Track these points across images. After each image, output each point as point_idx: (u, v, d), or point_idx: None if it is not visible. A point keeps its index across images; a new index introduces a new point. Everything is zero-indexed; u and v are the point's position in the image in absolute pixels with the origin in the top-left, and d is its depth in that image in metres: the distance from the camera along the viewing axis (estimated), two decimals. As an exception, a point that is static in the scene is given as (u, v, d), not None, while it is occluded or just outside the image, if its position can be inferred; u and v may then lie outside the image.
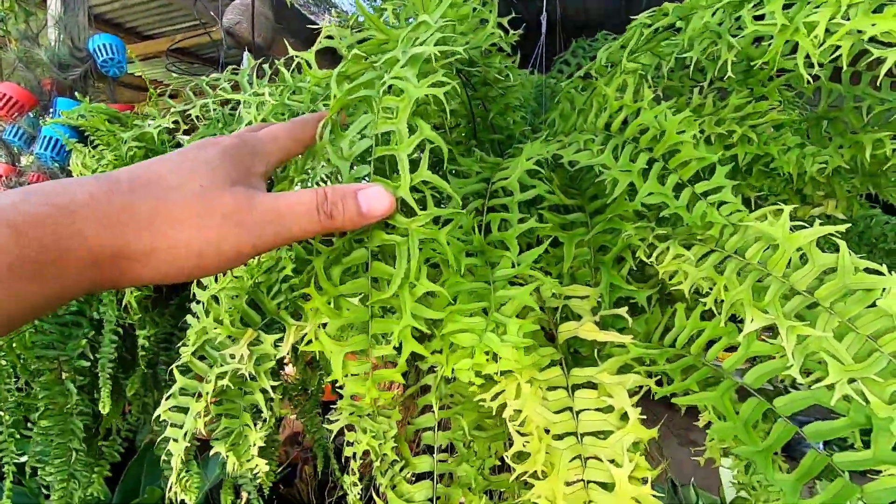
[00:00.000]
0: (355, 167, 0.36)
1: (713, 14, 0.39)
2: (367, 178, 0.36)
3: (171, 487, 0.45)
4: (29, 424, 0.77)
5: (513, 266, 0.36)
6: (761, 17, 0.38)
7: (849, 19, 0.30)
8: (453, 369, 0.33)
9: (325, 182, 0.48)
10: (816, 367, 0.30)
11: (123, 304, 0.60)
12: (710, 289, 0.38)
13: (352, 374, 0.34)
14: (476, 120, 0.63)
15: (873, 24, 0.28)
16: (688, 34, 0.45)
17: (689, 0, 0.43)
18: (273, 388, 0.62)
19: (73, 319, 0.72)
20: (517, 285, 0.37)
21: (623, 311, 0.42)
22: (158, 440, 0.61)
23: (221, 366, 0.46)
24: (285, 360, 0.85)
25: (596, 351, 0.42)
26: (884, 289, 0.30)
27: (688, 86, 0.59)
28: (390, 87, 0.36)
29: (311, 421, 0.82)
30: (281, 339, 0.47)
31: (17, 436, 0.76)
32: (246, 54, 1.99)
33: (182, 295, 0.80)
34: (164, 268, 0.29)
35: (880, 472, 0.27)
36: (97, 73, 1.24)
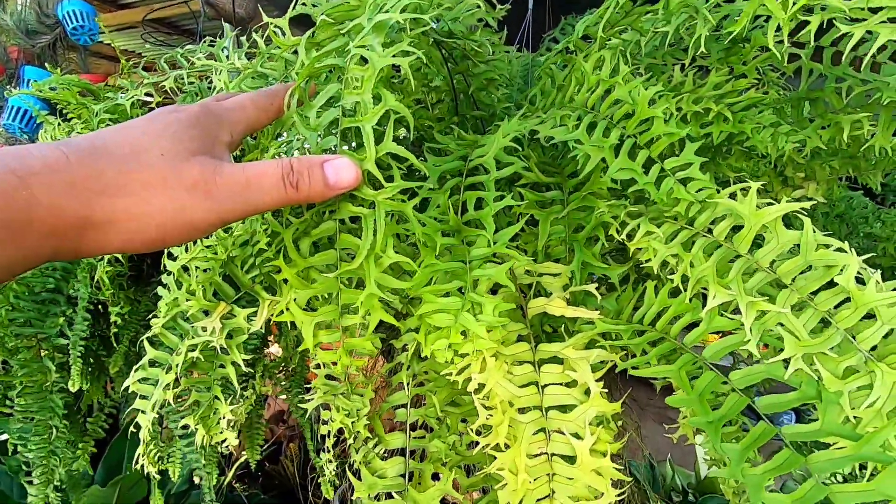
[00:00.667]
0: (322, 138, 0.36)
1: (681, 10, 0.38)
2: (334, 149, 0.36)
3: (136, 460, 0.45)
4: (8, 402, 0.78)
5: (489, 245, 0.36)
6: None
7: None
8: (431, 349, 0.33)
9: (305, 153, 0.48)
10: (777, 343, 0.31)
11: (96, 280, 0.60)
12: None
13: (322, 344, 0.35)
14: (458, 96, 0.63)
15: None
16: (665, 7, 0.44)
17: None
18: (253, 364, 0.63)
19: (49, 297, 0.72)
20: (494, 263, 0.37)
21: (592, 287, 0.42)
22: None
23: (193, 338, 0.47)
24: (270, 340, 0.86)
25: (565, 327, 0.43)
26: (843, 266, 0.30)
27: (670, 63, 0.59)
28: (359, 56, 0.35)
29: (295, 399, 0.83)
30: (255, 314, 0.48)
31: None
32: (226, 26, 1.96)
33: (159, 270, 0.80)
34: (128, 236, 0.29)
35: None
36: (67, 41, 1.21)
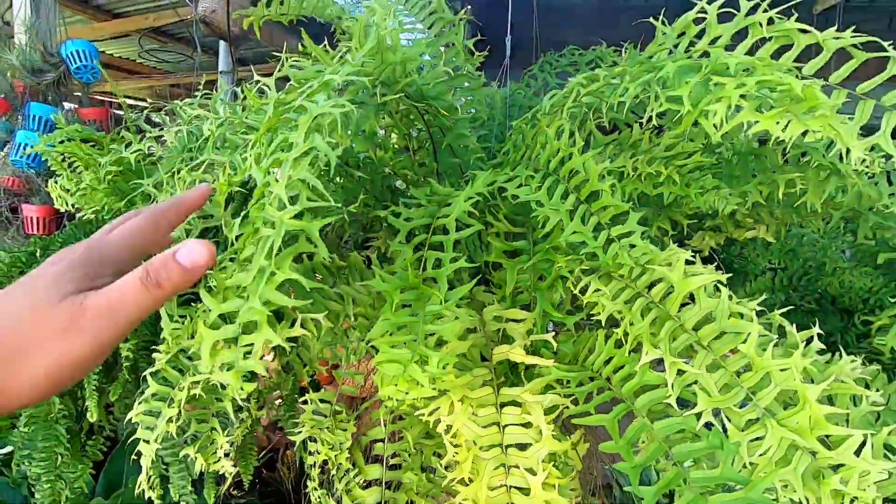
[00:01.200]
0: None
1: (638, 85, 0.44)
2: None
3: (139, 485, 0.51)
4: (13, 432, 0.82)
5: (441, 303, 0.42)
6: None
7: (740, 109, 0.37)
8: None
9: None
10: (692, 398, 0.37)
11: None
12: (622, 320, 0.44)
13: (223, 365, 0.38)
14: (435, 145, 0.68)
15: (756, 122, 0.34)
16: (622, 85, 0.50)
17: (618, 69, 0.49)
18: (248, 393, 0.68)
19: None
20: (448, 318, 0.42)
21: (549, 336, 0.48)
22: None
23: (193, 375, 0.52)
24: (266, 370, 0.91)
25: (526, 369, 0.48)
26: (748, 333, 0.36)
27: (631, 119, 0.65)
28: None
29: (290, 408, 0.88)
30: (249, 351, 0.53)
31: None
32: (222, 44, 2.01)
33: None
34: (26, 393, 0.32)
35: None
36: (70, 78, 1.27)
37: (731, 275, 0.42)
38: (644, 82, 0.42)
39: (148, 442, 0.54)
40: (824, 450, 0.32)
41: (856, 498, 0.32)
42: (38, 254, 0.85)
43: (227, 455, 0.55)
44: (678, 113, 0.59)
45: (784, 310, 0.43)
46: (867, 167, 0.52)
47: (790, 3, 0.46)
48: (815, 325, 0.40)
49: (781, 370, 0.34)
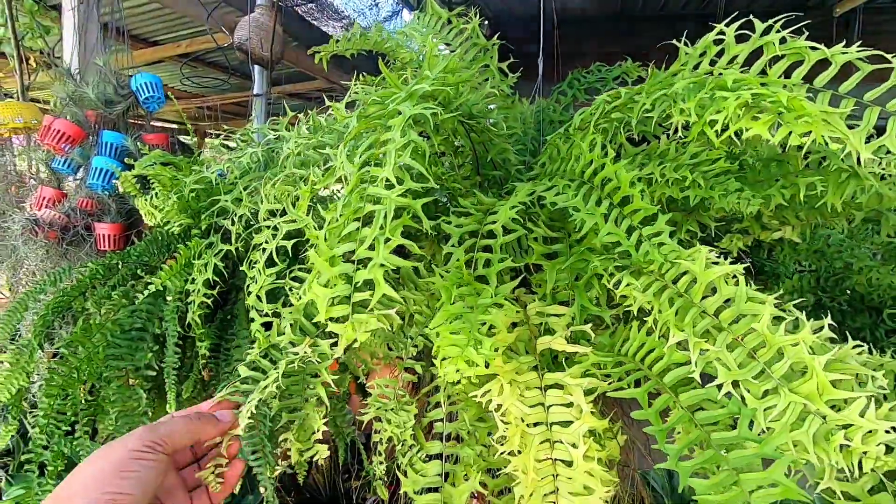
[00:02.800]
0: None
1: (654, 101, 0.51)
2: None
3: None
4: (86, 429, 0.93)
5: (492, 296, 0.49)
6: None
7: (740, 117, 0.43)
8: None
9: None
10: (714, 372, 0.43)
11: (186, 321, 0.75)
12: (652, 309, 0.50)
13: (334, 318, 0.47)
14: (480, 159, 0.76)
15: (748, 129, 0.41)
16: (641, 101, 0.57)
17: (637, 87, 0.56)
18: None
19: (137, 335, 0.87)
20: (497, 308, 0.50)
21: (588, 327, 0.54)
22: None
23: (287, 356, 0.60)
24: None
25: (567, 357, 0.55)
26: (763, 315, 0.42)
27: (659, 131, 0.71)
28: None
29: (339, 415, 0.96)
30: (335, 344, 0.61)
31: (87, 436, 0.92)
32: (257, 68, 2.16)
33: (225, 310, 0.95)
34: None
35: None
36: (138, 108, 1.42)
37: (762, 276, 0.48)
38: (659, 98, 0.49)
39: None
40: (833, 412, 0.38)
41: (866, 452, 0.37)
42: (118, 265, 0.97)
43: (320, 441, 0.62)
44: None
45: (811, 309, 0.49)
46: (883, 169, 0.57)
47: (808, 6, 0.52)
48: (843, 324, 0.46)
49: (792, 345, 0.40)
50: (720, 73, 0.47)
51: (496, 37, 0.90)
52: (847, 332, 0.50)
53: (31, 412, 0.95)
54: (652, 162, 0.66)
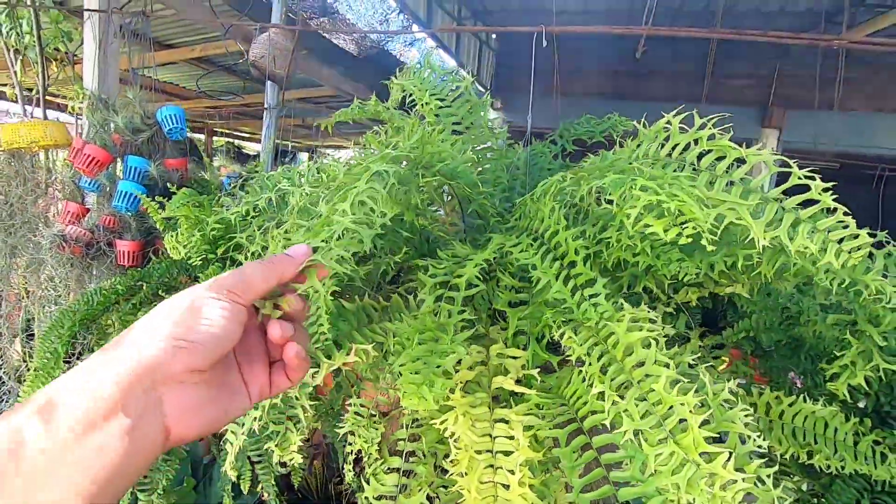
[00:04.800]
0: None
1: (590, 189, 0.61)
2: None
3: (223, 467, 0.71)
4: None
5: (448, 343, 0.60)
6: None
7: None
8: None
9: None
10: (620, 421, 0.53)
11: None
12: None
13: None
14: (463, 211, 0.87)
15: (649, 225, 0.51)
16: (581, 186, 0.67)
17: (581, 172, 0.66)
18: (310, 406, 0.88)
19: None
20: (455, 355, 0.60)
21: (535, 372, 0.65)
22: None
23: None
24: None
25: (515, 397, 0.65)
26: (663, 377, 0.52)
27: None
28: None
29: (331, 428, 1.08)
30: (317, 372, 0.72)
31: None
32: (269, 83, 2.30)
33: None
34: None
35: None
36: (161, 135, 1.58)
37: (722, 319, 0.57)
38: (594, 186, 0.59)
39: (233, 440, 0.74)
40: (704, 463, 0.48)
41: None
42: (142, 285, 1.10)
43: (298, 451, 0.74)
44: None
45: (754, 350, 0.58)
46: (805, 248, 0.67)
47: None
48: (790, 370, 0.55)
49: (680, 404, 0.50)
50: (645, 169, 0.57)
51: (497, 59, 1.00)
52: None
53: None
54: (612, 227, 0.76)
